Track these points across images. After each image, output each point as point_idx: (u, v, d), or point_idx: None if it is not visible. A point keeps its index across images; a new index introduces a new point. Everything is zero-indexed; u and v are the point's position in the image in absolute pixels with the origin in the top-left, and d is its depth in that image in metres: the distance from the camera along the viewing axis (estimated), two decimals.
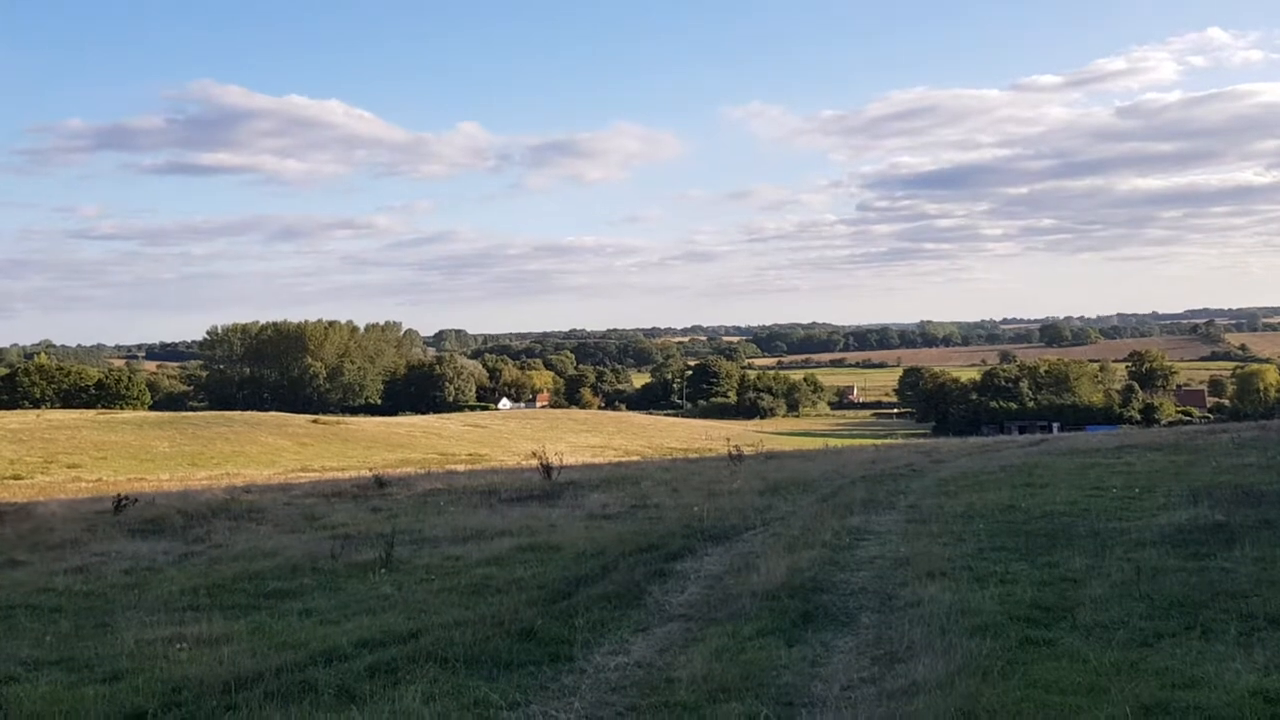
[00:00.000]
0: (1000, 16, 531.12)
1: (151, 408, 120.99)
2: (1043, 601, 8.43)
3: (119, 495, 18.92)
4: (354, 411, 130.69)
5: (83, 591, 10.94)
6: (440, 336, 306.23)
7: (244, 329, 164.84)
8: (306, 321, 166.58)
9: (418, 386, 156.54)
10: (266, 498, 21.67)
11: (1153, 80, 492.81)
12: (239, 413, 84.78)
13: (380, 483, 23.71)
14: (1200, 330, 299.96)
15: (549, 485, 21.29)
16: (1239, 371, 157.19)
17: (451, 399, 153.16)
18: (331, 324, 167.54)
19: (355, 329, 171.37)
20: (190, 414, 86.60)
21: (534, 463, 24.51)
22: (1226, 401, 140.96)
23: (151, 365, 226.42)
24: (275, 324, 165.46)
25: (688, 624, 8.48)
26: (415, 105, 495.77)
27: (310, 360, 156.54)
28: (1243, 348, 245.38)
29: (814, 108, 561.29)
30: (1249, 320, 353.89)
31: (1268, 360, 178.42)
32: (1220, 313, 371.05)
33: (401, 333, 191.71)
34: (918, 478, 19.56)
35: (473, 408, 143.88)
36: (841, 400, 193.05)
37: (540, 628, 8.17)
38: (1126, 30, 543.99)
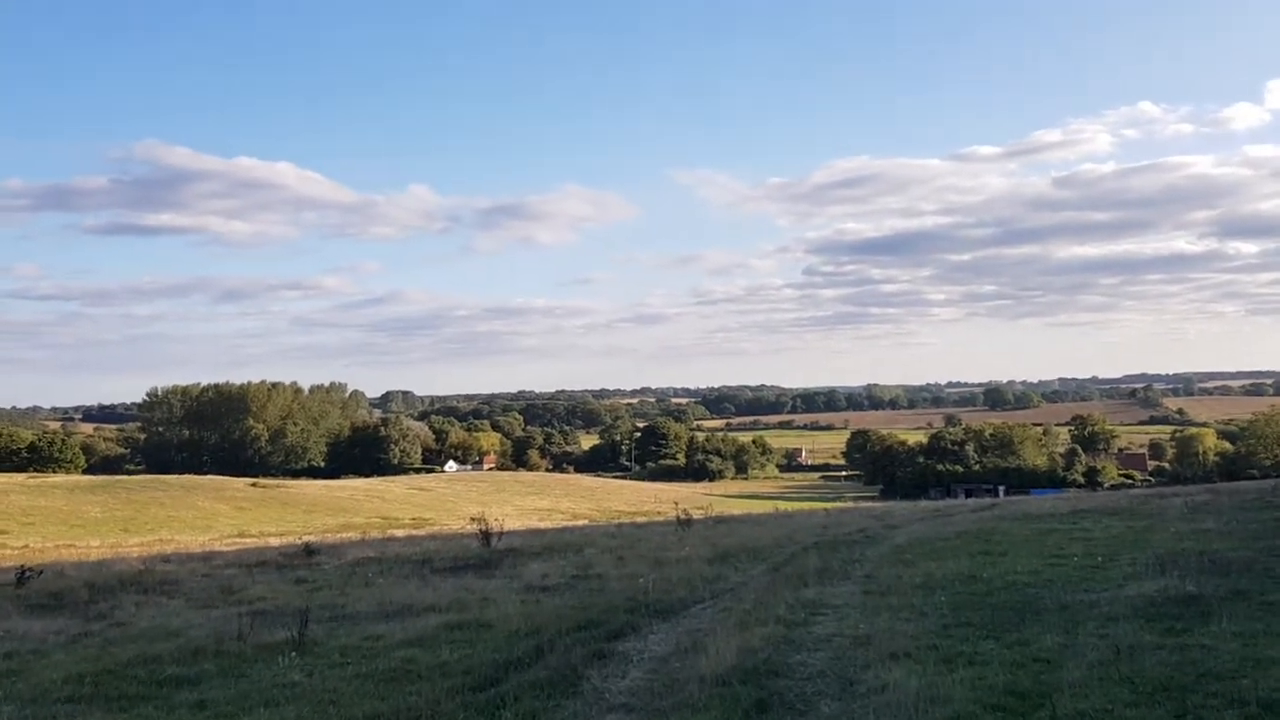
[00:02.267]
0: (940, 88, 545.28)
1: (86, 471, 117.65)
2: (1017, 686, 7.68)
3: (21, 567, 17.61)
4: (296, 475, 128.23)
5: None
6: (387, 398, 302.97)
7: (184, 391, 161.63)
8: (249, 383, 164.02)
9: (362, 449, 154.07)
10: (185, 569, 20.37)
11: (1088, 151, 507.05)
12: (175, 476, 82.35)
13: (309, 551, 22.55)
14: (1139, 395, 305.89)
15: (487, 553, 20.27)
16: (1178, 435, 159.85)
17: (397, 461, 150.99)
18: (275, 385, 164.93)
19: (299, 390, 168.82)
20: (125, 478, 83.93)
21: (475, 528, 23.48)
22: (1167, 465, 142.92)
23: (89, 428, 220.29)
24: (217, 385, 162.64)
25: (630, 715, 7.61)
26: (365, 167, 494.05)
27: (252, 422, 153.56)
28: (1180, 412, 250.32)
29: (760, 174, 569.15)
30: (1185, 385, 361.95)
31: (1205, 424, 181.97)
32: (1158, 377, 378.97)
33: (347, 394, 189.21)
34: (872, 544, 18.85)
35: (418, 470, 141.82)
36: (790, 462, 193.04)
37: None
38: (1062, 103, 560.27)
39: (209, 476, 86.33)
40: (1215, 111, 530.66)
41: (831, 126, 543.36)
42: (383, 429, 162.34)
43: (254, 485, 75.99)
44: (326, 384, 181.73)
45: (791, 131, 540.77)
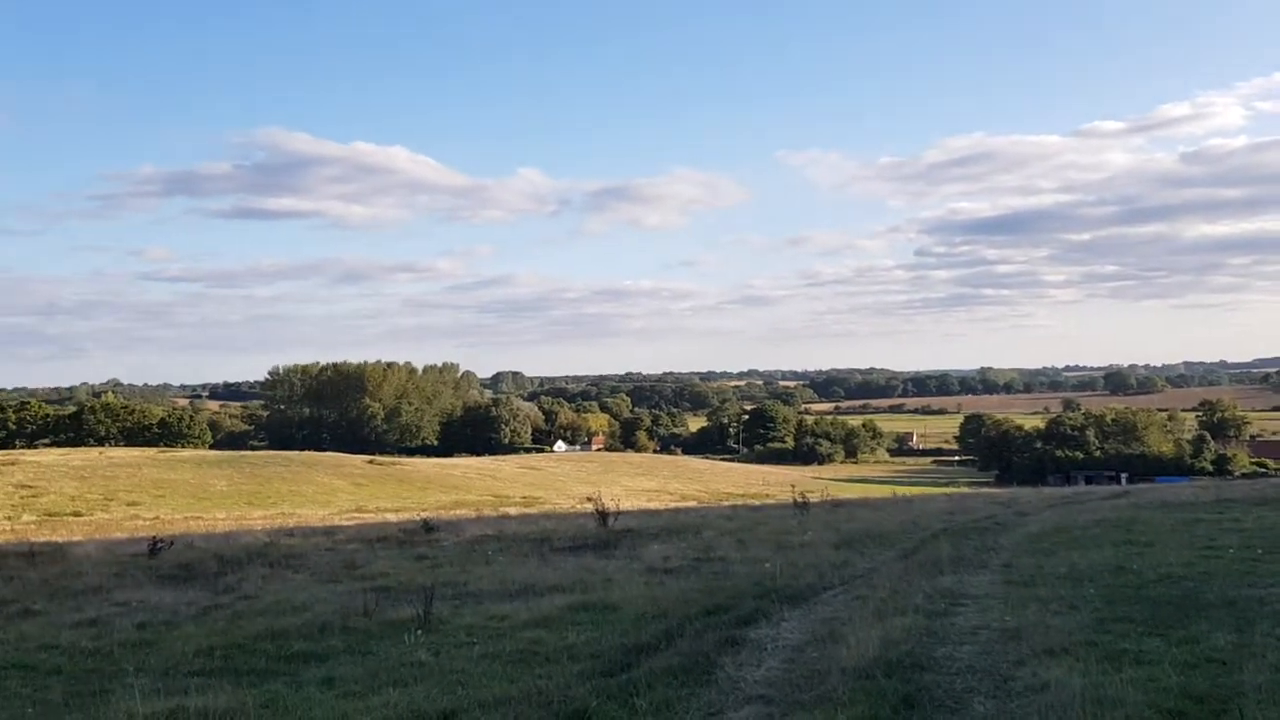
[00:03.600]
0: (1059, 63, 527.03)
1: (212, 446, 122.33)
2: (1194, 689, 7.02)
3: (154, 538, 18.10)
4: (410, 452, 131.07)
5: (88, 649, 9.94)
6: (497, 378, 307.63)
7: (304, 370, 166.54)
8: (366, 363, 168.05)
9: (474, 428, 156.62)
10: (309, 543, 20.74)
11: (1218, 125, 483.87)
12: (296, 453, 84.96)
13: (428, 527, 22.71)
14: (1271, 380, 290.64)
15: (604, 533, 20.10)
16: None
17: (507, 441, 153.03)
18: (390, 365, 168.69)
19: (413, 370, 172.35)
20: (249, 453, 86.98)
21: (589, 507, 23.39)
22: None
23: (214, 405, 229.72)
24: (335, 365, 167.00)
25: (769, 708, 7.20)
26: (476, 152, 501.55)
27: (368, 401, 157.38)
28: None
29: (871, 154, 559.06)
30: None
31: None
32: None
33: (459, 374, 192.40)
34: (1004, 532, 18.04)
35: (528, 450, 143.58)
36: (901, 447, 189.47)
37: (595, 710, 6.96)
38: (1190, 75, 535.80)
39: (328, 453, 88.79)
40: None
41: (945, 104, 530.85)
42: (493, 409, 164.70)
43: (371, 462, 77.86)
44: (439, 364, 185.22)
45: (904, 110, 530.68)
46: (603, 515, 21.72)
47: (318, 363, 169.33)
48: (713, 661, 8.34)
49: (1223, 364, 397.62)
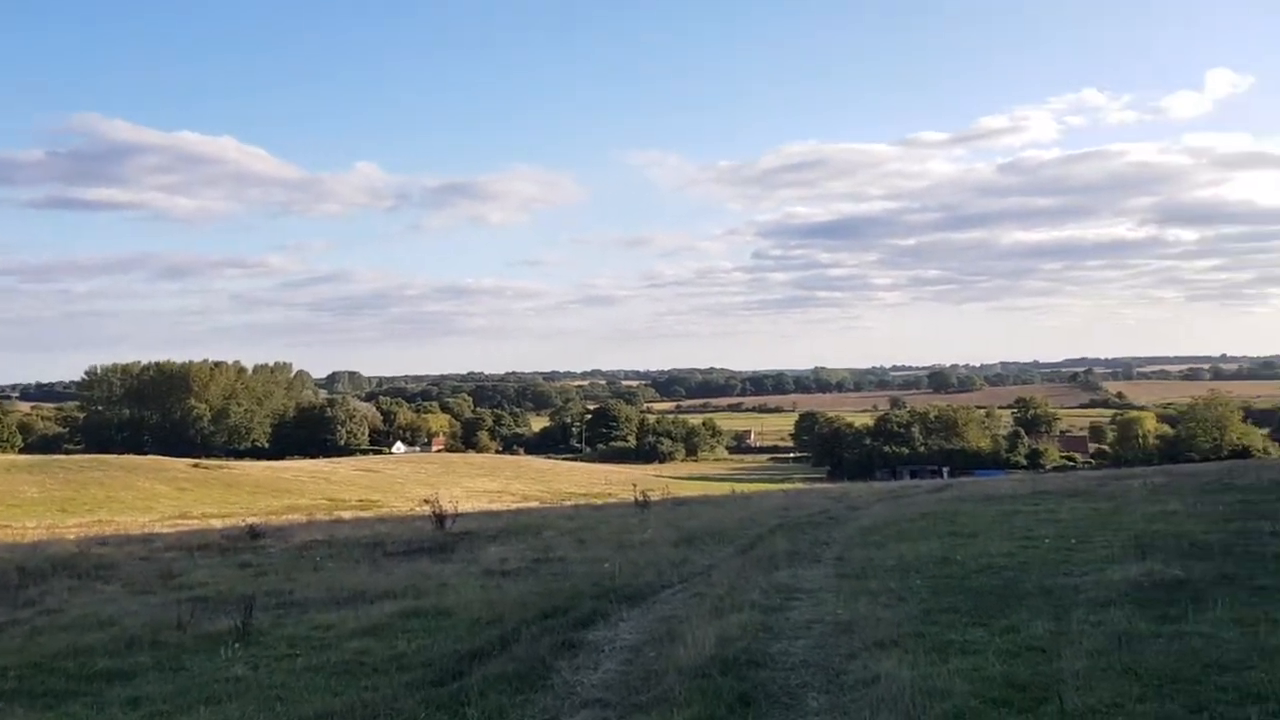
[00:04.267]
0: (888, 74, 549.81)
1: (22, 450, 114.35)
2: (1017, 678, 7.23)
3: None
4: (240, 455, 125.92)
5: None
6: (333, 378, 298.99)
7: (125, 369, 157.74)
8: (191, 362, 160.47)
9: (308, 430, 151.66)
10: (123, 551, 19.43)
11: (1033, 138, 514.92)
12: (115, 456, 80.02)
13: (254, 533, 21.68)
14: (1079, 378, 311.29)
15: (441, 536, 19.58)
16: (1119, 418, 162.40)
17: (343, 443, 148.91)
18: (218, 364, 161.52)
19: (243, 370, 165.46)
20: (63, 457, 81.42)
21: (428, 509, 22.75)
22: (1107, 447, 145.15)
23: (25, 406, 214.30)
24: (158, 364, 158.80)
25: (605, 711, 7.05)
26: (311, 144, 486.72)
27: (194, 402, 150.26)
28: (1120, 395, 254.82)
29: (710, 157, 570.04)
30: (1124, 369, 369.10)
31: (1143, 408, 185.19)
32: (1097, 361, 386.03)
33: (292, 374, 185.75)
34: (837, 526, 18.47)
35: (365, 452, 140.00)
36: (739, 444, 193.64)
37: None
38: (1008, 90, 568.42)
39: (150, 457, 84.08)
40: (1157, 100, 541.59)
41: (781, 110, 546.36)
42: (328, 409, 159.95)
43: (196, 466, 74.24)
44: (271, 364, 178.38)
45: (741, 114, 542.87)
46: (440, 517, 21.18)
47: (139, 362, 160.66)
48: (548, 666, 8.13)
49: (1036, 364, 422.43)
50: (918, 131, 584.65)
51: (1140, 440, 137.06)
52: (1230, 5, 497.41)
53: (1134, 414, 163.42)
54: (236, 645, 9.52)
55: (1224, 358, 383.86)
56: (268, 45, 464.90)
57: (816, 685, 7.46)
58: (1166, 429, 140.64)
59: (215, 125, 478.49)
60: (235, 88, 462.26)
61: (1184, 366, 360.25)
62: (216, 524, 32.57)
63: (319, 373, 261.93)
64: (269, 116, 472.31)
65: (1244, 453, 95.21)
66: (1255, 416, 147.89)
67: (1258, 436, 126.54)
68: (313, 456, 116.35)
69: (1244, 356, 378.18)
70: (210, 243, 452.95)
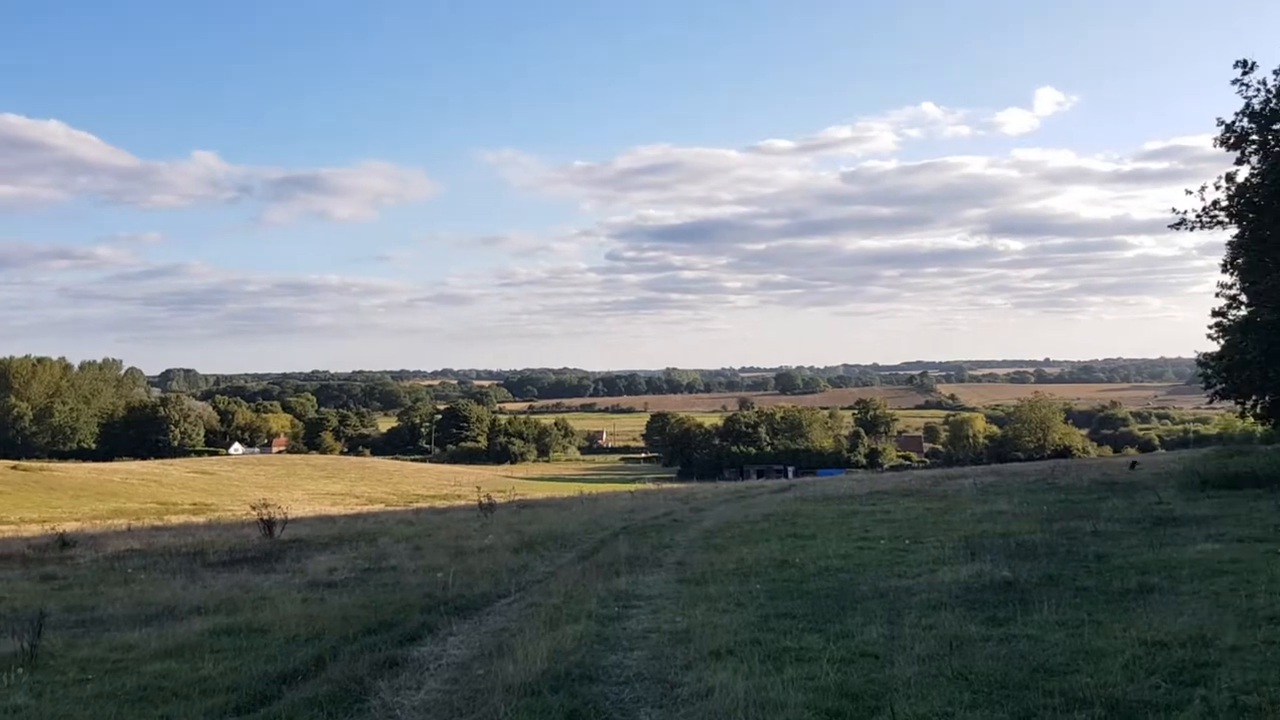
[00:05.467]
0: (740, 81, 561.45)
1: None
2: (850, 687, 7.13)
3: None
4: (64, 456, 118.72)
5: None
6: (167, 376, 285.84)
7: None
8: (12, 358, 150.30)
9: (139, 430, 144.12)
10: None
11: (874, 149, 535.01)
12: None
13: (64, 542, 20.13)
14: (915, 381, 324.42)
15: (270, 544, 18.58)
16: (951, 419, 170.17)
17: (177, 444, 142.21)
18: (41, 360, 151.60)
19: (68, 367, 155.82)
20: None
21: (259, 515, 21.57)
22: (941, 447, 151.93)
23: None
24: None
25: None
26: (146, 131, 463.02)
27: (14, 400, 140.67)
28: (952, 397, 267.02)
29: (565, 157, 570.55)
30: (957, 372, 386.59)
31: (974, 409, 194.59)
32: (932, 365, 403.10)
33: (122, 372, 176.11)
34: (681, 529, 18.38)
35: (201, 453, 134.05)
36: (592, 445, 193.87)
37: None
38: (852, 101, 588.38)
39: None
40: (990, 115, 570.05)
41: (635, 113, 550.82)
42: (162, 409, 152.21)
43: (14, 468, 69.33)
44: (99, 360, 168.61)
45: (596, 116, 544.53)
46: (268, 524, 20.10)
47: None
48: (367, 687, 7.61)
49: (876, 366, 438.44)
50: (767, 139, 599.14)
51: (971, 440, 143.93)
52: (1058, 26, 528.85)
53: (965, 415, 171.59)
54: (20, 670, 8.61)
55: (1048, 362, 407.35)
56: (99, 24, 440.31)
57: (650, 700, 7.19)
58: (994, 429, 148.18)
59: (41, 108, 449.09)
60: (63, 69, 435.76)
61: (1011, 370, 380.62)
62: (31, 530, 30.38)
63: (152, 370, 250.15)
64: (100, 100, 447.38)
65: (1065, 452, 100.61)
66: (1075, 418, 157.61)
67: (1078, 437, 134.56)
68: (143, 458, 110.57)
69: (1066, 361, 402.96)
70: (35, 232, 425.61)
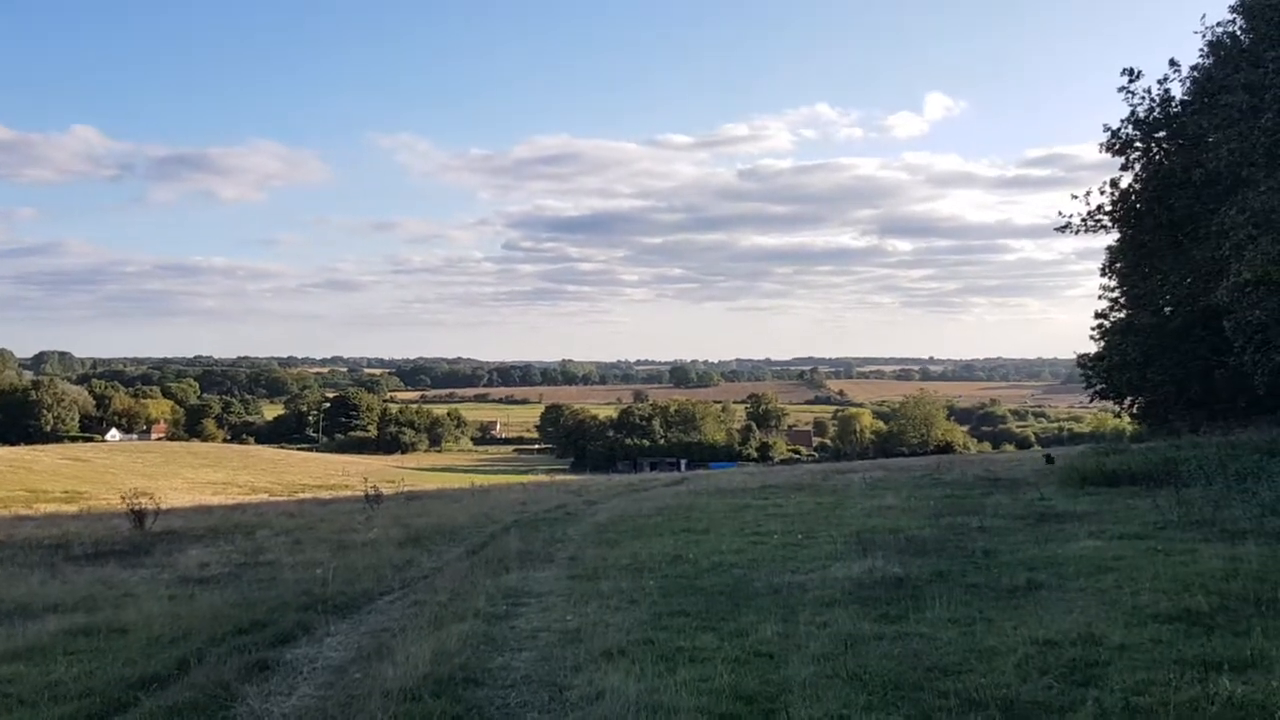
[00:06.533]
0: (640, 74, 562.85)
1: None
2: (744, 689, 6.94)
3: None
4: None
5: None
6: (40, 359, 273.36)
7: None
8: None
9: (8, 414, 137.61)
10: None
11: (770, 147, 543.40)
12: None
13: None
14: (806, 376, 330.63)
15: (140, 536, 17.64)
16: (839, 414, 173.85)
17: (50, 429, 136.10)
18: None
19: None
20: None
21: (139, 504, 20.44)
22: (829, 441, 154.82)
23: None
24: None
25: None
26: (19, 101, 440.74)
27: None
28: (841, 393, 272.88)
29: (462, 144, 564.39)
30: (846, 368, 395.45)
31: (862, 405, 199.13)
32: (822, 361, 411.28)
33: None
34: (573, 522, 18.10)
35: (75, 439, 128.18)
36: (485, 436, 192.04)
37: None
38: (749, 98, 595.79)
39: None
40: (882, 118, 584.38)
41: (534, 102, 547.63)
42: (34, 392, 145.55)
43: None
44: None
45: (494, 104, 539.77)
46: (138, 514, 19.10)
47: None
48: (234, 693, 7.12)
49: (768, 361, 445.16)
50: (665, 133, 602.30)
51: (858, 435, 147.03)
52: (947, 32, 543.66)
53: (853, 410, 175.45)
54: None
55: (931, 360, 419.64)
56: None
57: (537, 704, 6.89)
58: (881, 425, 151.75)
59: None
60: None
61: (897, 367, 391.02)
62: None
63: (24, 352, 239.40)
64: None
65: (948, 448, 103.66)
66: (957, 415, 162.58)
67: (959, 433, 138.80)
68: (13, 444, 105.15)
69: (949, 360, 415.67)
70: None
